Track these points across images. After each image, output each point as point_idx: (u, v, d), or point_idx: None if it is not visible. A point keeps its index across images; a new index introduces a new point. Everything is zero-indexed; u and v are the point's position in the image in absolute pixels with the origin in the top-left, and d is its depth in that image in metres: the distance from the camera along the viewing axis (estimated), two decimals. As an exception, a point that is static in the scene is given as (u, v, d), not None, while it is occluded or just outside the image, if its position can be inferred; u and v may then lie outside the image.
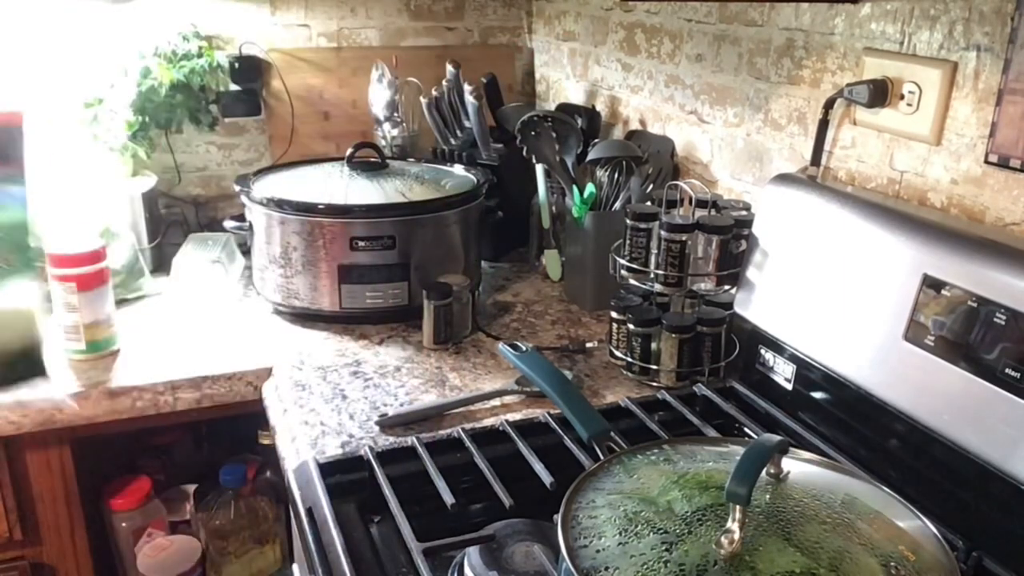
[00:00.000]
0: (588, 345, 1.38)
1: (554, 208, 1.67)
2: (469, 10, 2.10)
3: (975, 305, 0.86)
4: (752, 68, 1.38)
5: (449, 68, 1.82)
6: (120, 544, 1.51)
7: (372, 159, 1.58)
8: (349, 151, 1.57)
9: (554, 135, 1.58)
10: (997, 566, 0.83)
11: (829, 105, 1.19)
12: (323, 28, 1.98)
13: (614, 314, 1.29)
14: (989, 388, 0.83)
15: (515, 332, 1.45)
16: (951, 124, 1.03)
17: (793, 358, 1.13)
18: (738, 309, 1.21)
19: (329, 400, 1.20)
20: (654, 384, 1.25)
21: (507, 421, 1.09)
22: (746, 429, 1.10)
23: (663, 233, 1.20)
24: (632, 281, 1.27)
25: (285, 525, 1.58)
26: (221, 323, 1.47)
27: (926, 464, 0.93)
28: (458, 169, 1.66)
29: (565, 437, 1.03)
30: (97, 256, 1.30)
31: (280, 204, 1.42)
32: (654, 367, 1.25)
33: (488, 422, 1.13)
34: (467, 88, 1.73)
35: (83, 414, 1.24)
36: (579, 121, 1.70)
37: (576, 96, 1.98)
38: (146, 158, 1.82)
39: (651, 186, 1.49)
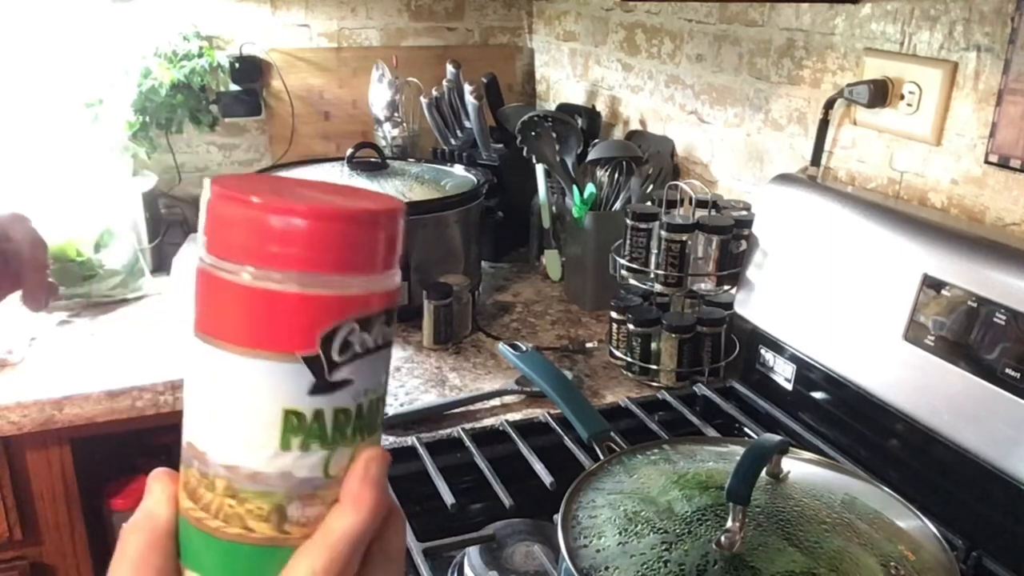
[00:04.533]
0: (588, 345, 1.38)
1: (554, 208, 1.67)
2: (469, 10, 2.10)
3: (975, 305, 0.86)
4: (752, 68, 1.38)
5: (449, 68, 1.82)
6: (120, 544, 1.51)
7: (372, 159, 1.58)
8: (349, 151, 1.57)
9: (554, 135, 1.58)
10: (997, 566, 0.83)
11: (829, 105, 1.19)
12: (323, 28, 1.98)
13: (614, 314, 1.29)
14: (989, 388, 0.83)
15: (515, 332, 1.45)
16: (951, 124, 1.03)
17: (793, 358, 1.13)
18: (738, 309, 1.21)
19: (329, 400, 1.20)
20: (654, 384, 1.25)
21: (507, 421, 1.09)
22: (746, 429, 1.10)
23: (663, 233, 1.20)
24: (632, 281, 1.27)
25: (285, 525, 1.58)
26: (221, 323, 1.47)
27: (926, 464, 0.92)
28: (458, 169, 1.66)
29: (565, 437, 1.03)
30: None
31: (280, 204, 1.42)
32: (654, 367, 1.25)
33: (488, 422, 1.13)
34: (467, 88, 1.73)
35: (83, 414, 1.24)
36: (579, 121, 1.70)
37: (576, 96, 1.98)
38: (146, 158, 1.82)
39: (651, 186, 1.49)
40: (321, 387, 0.33)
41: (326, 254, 0.32)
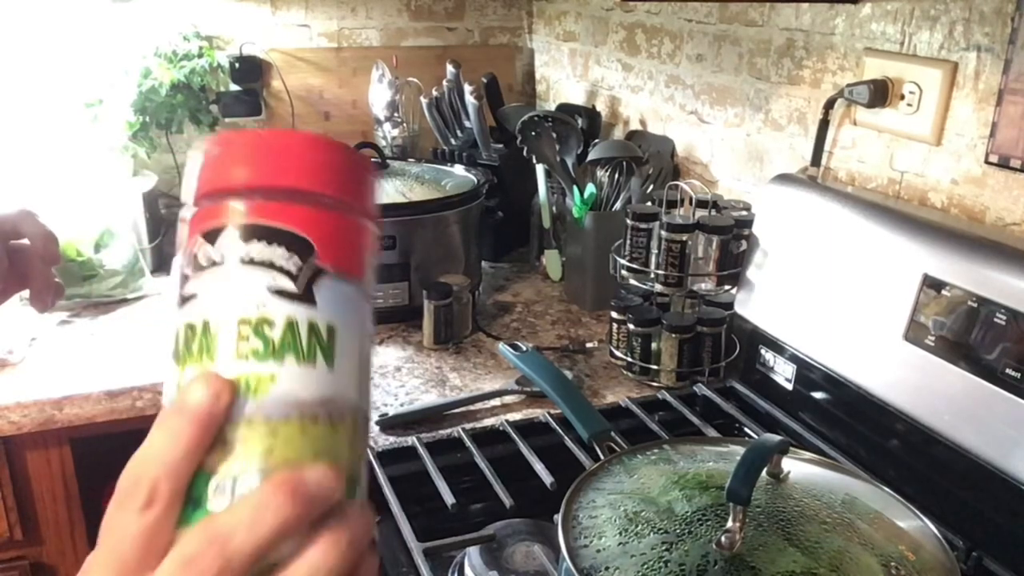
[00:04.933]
0: (588, 345, 1.38)
1: (554, 208, 1.67)
2: (469, 10, 2.10)
3: (975, 305, 0.86)
4: (752, 68, 1.38)
5: (449, 68, 1.82)
6: (120, 544, 1.51)
7: (372, 159, 1.58)
8: (349, 151, 1.57)
9: (554, 135, 1.58)
10: (997, 566, 0.83)
11: (829, 105, 1.19)
12: (323, 28, 1.98)
13: (614, 314, 1.29)
14: (989, 388, 0.83)
15: (515, 332, 1.45)
16: (951, 124, 1.03)
17: (793, 358, 1.13)
18: (738, 309, 1.21)
19: (329, 400, 1.20)
20: (654, 384, 1.25)
21: (507, 421, 1.09)
22: (746, 429, 1.10)
23: (663, 233, 1.20)
24: (632, 281, 1.27)
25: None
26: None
27: (926, 464, 0.93)
28: (458, 169, 1.66)
29: (565, 437, 1.03)
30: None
31: (280, 204, 1.42)
32: (654, 367, 1.25)
33: (488, 422, 1.13)
34: (467, 88, 1.73)
35: (83, 414, 1.24)
36: (579, 121, 1.70)
37: (576, 96, 1.98)
38: (146, 158, 1.82)
39: (651, 186, 1.49)
40: (179, 301, 0.35)
41: (191, 184, 0.35)
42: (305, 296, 0.33)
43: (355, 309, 0.35)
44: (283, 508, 0.30)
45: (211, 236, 0.34)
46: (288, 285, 0.33)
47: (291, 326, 0.33)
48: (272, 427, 0.32)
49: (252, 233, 0.33)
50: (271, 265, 0.33)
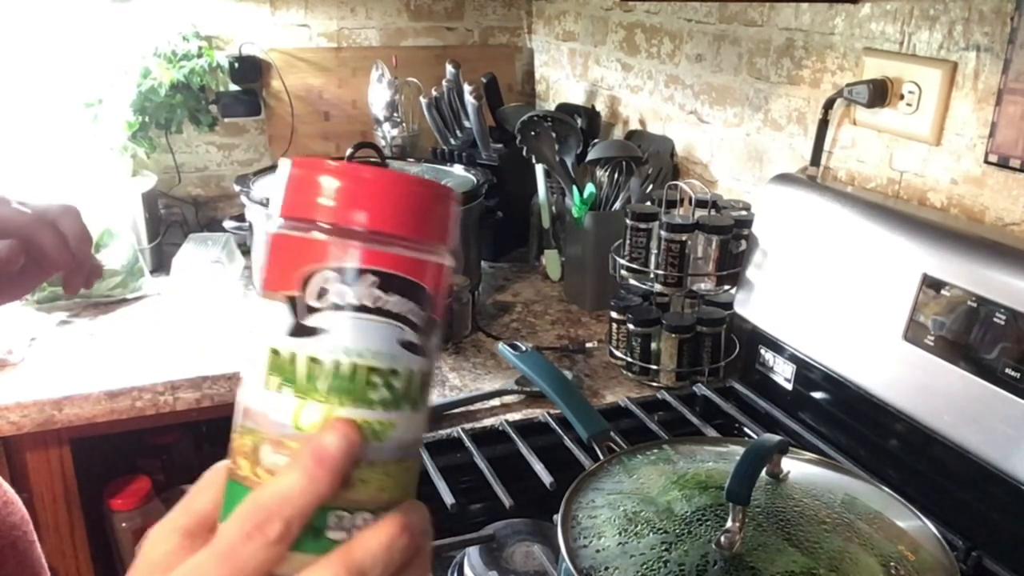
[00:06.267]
0: (588, 345, 1.38)
1: (554, 208, 1.67)
2: (469, 10, 2.10)
3: (975, 305, 0.86)
4: (752, 68, 1.38)
5: (449, 68, 1.82)
6: (120, 544, 1.51)
7: (372, 159, 1.58)
8: (349, 151, 1.57)
9: (554, 135, 1.58)
10: (997, 566, 0.83)
11: (829, 105, 1.19)
12: (323, 28, 1.98)
13: (614, 314, 1.29)
14: (989, 388, 0.83)
15: (515, 332, 1.45)
16: (951, 124, 1.03)
17: (793, 358, 1.13)
18: (738, 309, 1.21)
19: (329, 400, 1.20)
20: (654, 384, 1.25)
21: (507, 421, 1.09)
22: (746, 429, 1.10)
23: (663, 233, 1.20)
24: (632, 281, 1.27)
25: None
26: (221, 323, 1.47)
27: (926, 464, 0.93)
28: (458, 169, 1.66)
29: (565, 437, 1.03)
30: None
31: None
32: (654, 367, 1.25)
33: (488, 422, 1.13)
34: (467, 88, 1.73)
35: (83, 414, 1.24)
36: (579, 121, 1.70)
37: (576, 96, 1.98)
38: (146, 158, 1.82)
39: (651, 186, 1.49)
40: (296, 329, 0.35)
41: (304, 200, 0.35)
42: (424, 349, 0.36)
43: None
44: (408, 547, 0.35)
45: (345, 275, 0.34)
46: (414, 339, 0.36)
47: (411, 377, 0.36)
48: (387, 469, 0.36)
49: (392, 284, 0.35)
50: (404, 318, 0.35)
